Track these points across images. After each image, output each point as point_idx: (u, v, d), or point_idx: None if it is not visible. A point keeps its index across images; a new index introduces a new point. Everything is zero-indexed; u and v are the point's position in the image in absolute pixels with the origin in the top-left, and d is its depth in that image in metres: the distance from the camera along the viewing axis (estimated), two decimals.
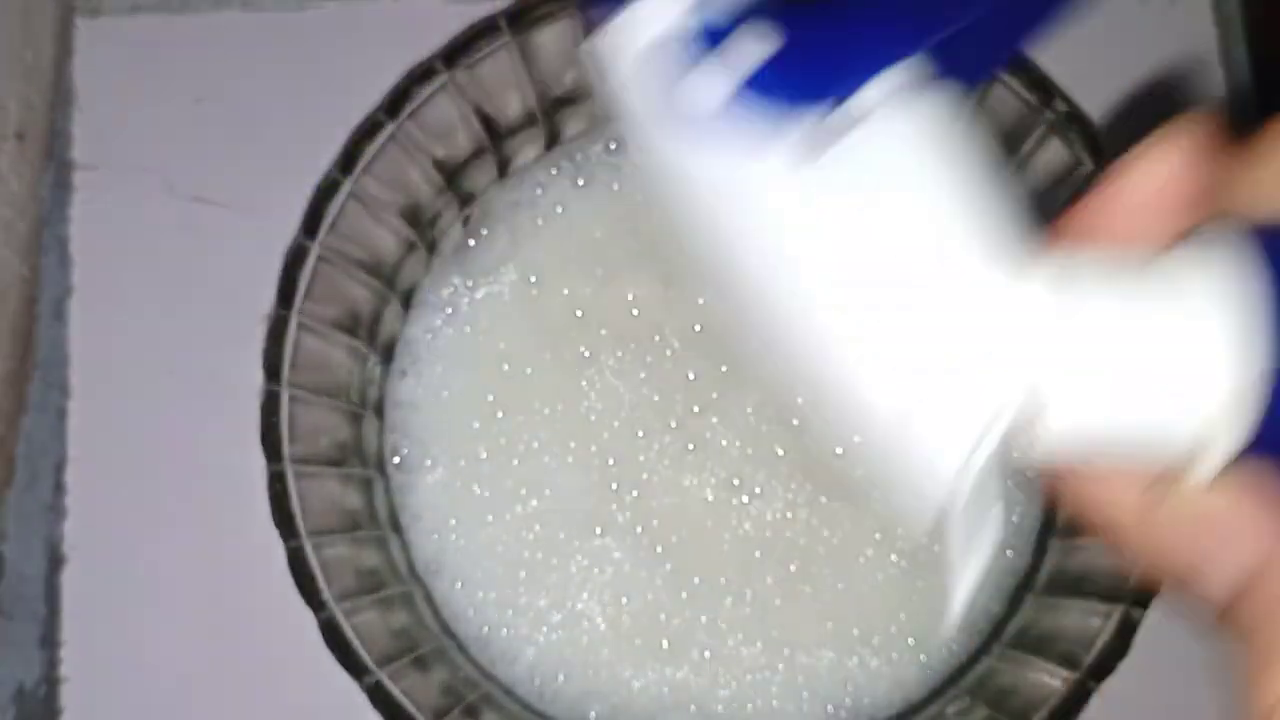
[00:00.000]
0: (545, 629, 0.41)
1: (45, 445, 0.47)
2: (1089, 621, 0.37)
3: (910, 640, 0.41)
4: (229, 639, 0.46)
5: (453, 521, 0.42)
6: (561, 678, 0.41)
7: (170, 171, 0.48)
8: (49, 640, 0.46)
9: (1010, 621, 0.40)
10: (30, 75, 0.47)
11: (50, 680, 0.46)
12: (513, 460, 0.42)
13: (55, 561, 0.46)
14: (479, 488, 0.42)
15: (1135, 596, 0.37)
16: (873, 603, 0.41)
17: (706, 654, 0.41)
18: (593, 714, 0.40)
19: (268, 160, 0.48)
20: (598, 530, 0.42)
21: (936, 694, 0.40)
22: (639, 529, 0.42)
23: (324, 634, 0.35)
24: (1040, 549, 0.41)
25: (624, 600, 0.41)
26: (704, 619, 0.41)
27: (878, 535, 0.42)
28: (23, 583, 0.46)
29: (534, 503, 0.42)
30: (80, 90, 0.49)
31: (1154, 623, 0.37)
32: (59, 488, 0.47)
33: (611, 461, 0.42)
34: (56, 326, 0.48)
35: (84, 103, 0.49)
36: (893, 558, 0.41)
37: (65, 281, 0.48)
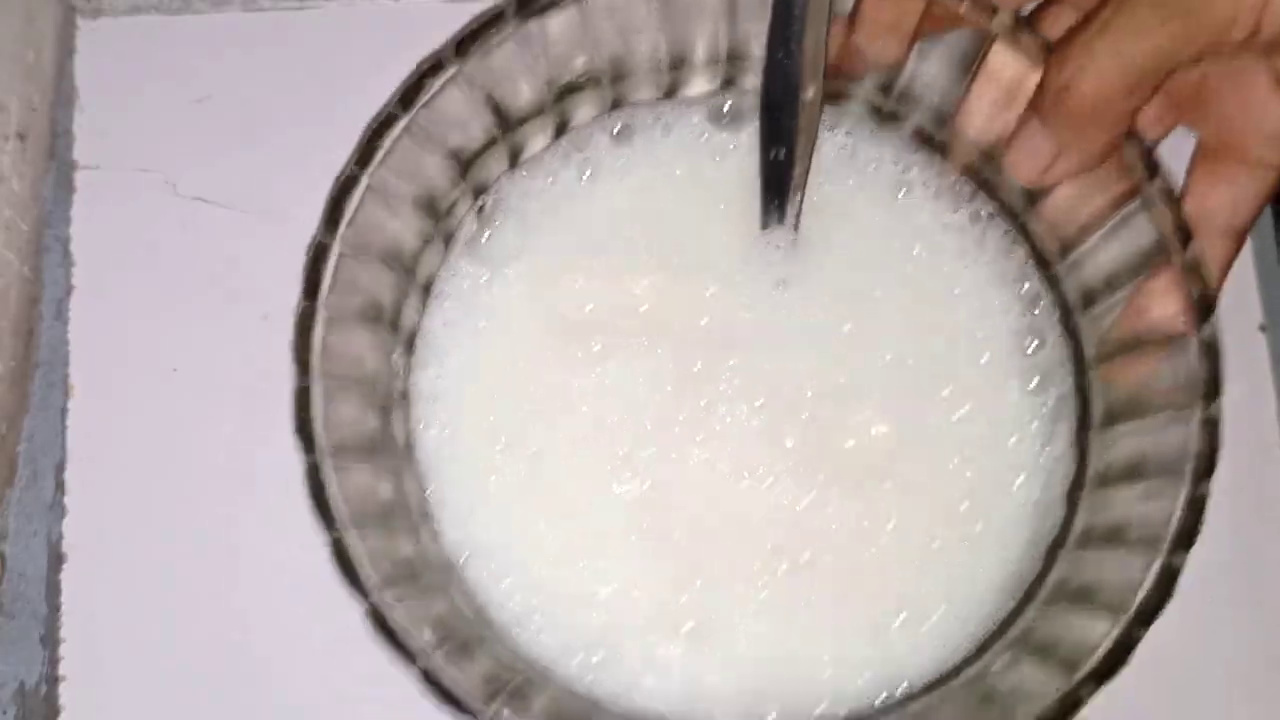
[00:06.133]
0: (569, 615, 0.41)
1: (46, 444, 0.47)
2: (1129, 571, 0.37)
3: (923, 629, 0.41)
4: (228, 637, 0.46)
5: (476, 512, 0.42)
6: (595, 660, 0.41)
7: (171, 171, 0.49)
8: (49, 639, 0.46)
9: (1046, 578, 0.40)
10: (32, 76, 0.47)
11: (51, 679, 0.46)
12: (529, 451, 0.43)
13: (56, 560, 0.46)
14: (497, 478, 0.42)
15: (1176, 541, 0.36)
16: (886, 591, 0.42)
17: (723, 639, 0.41)
18: (635, 696, 0.41)
19: (268, 160, 0.49)
20: (615, 518, 0.42)
21: (963, 665, 0.41)
22: (654, 518, 0.42)
23: (372, 622, 0.35)
24: (1072, 505, 0.42)
25: (638, 589, 0.42)
26: (720, 607, 0.42)
27: (890, 525, 0.42)
28: (23, 581, 0.46)
29: (551, 493, 0.43)
30: (82, 90, 0.49)
31: (1195, 570, 0.36)
32: (60, 487, 0.47)
33: (622, 453, 0.43)
34: (58, 326, 0.48)
35: (85, 103, 0.49)
36: (904, 547, 0.42)
37: (66, 281, 0.48)
